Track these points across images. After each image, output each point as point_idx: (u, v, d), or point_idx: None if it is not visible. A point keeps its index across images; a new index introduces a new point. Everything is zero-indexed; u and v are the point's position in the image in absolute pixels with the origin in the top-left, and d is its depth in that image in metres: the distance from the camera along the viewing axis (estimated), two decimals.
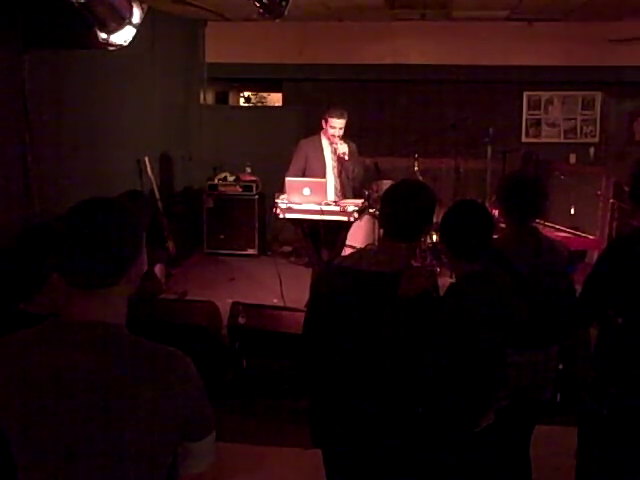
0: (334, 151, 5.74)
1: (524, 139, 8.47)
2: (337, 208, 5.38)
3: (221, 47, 8.37)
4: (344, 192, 5.86)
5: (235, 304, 4.79)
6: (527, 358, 2.83)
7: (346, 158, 5.68)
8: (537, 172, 7.60)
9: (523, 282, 2.71)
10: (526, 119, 8.49)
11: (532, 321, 2.75)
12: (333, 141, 5.67)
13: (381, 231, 2.55)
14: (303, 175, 5.71)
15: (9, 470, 1.61)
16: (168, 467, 1.58)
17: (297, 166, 5.78)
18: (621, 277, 2.67)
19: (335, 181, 5.86)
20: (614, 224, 6.90)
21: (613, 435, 2.74)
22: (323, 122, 5.71)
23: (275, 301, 5.78)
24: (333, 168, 5.84)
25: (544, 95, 8.44)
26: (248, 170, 8.01)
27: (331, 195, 5.75)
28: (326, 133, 5.73)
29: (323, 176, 5.70)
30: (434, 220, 2.49)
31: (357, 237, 5.92)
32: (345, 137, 5.72)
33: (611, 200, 6.85)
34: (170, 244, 6.79)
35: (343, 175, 5.82)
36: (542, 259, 2.91)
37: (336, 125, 5.61)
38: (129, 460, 1.49)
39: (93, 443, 1.47)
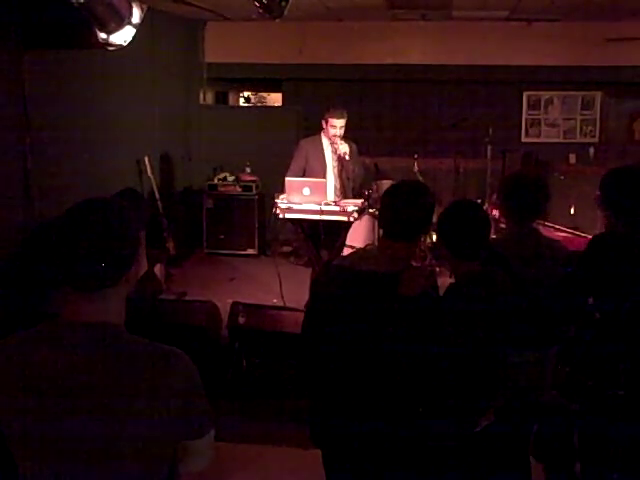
0: (335, 151, 5.74)
1: (524, 139, 8.48)
2: (337, 208, 5.38)
3: (221, 47, 8.37)
4: (344, 192, 5.86)
5: (235, 304, 4.79)
6: (526, 358, 2.83)
7: (347, 158, 5.68)
8: (537, 172, 7.60)
9: (522, 282, 2.71)
10: (526, 119, 8.49)
11: (531, 321, 2.76)
12: (334, 141, 5.67)
13: (381, 231, 2.55)
14: (303, 175, 5.71)
15: (9, 470, 1.61)
16: (168, 466, 1.58)
17: (297, 166, 5.78)
18: (601, 272, 2.67)
19: (336, 181, 5.86)
20: None
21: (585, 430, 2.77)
22: (323, 122, 5.71)
23: (275, 301, 5.78)
24: (333, 168, 5.84)
25: (544, 95, 8.44)
26: (248, 170, 8.01)
27: (331, 195, 5.75)
28: (327, 133, 5.73)
29: (324, 176, 5.70)
30: (433, 220, 2.49)
31: (357, 237, 5.92)
32: (345, 137, 5.73)
33: None
34: (170, 244, 6.78)
35: (343, 175, 5.82)
36: (542, 260, 2.91)
37: (337, 124, 5.61)
38: (129, 459, 1.49)
39: (93, 442, 1.48)
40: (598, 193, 2.84)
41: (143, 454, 1.50)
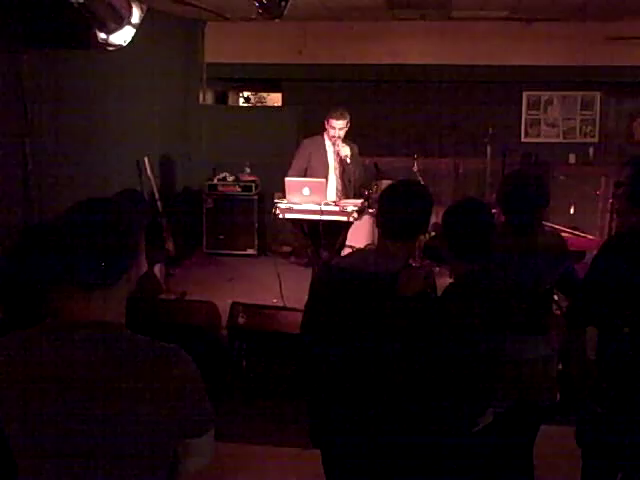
0: (337, 152, 5.74)
1: (523, 139, 8.49)
2: (336, 208, 5.39)
3: (220, 47, 8.38)
4: (345, 193, 5.86)
5: (235, 304, 4.79)
6: (525, 357, 2.83)
7: (348, 161, 5.68)
8: (537, 173, 7.60)
9: (522, 282, 2.71)
10: (525, 119, 8.50)
11: (530, 320, 2.75)
12: (335, 142, 5.68)
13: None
14: (305, 175, 5.71)
15: (9, 469, 1.61)
16: (169, 464, 1.58)
17: (299, 165, 5.78)
18: (617, 277, 2.61)
19: (337, 182, 5.87)
20: (614, 224, 6.90)
21: (613, 436, 2.69)
22: (325, 123, 5.72)
23: (275, 301, 5.77)
24: (335, 169, 5.85)
25: (543, 95, 8.45)
26: (247, 170, 8.01)
27: (332, 195, 5.76)
28: (328, 134, 5.73)
29: (325, 176, 5.71)
30: (432, 220, 2.49)
31: (357, 237, 5.91)
32: (346, 139, 5.73)
33: (610, 200, 6.85)
34: (170, 244, 6.78)
35: (345, 176, 5.83)
36: (541, 259, 2.90)
37: (336, 126, 5.61)
38: (129, 457, 1.50)
39: (93, 441, 1.48)
40: (622, 190, 2.70)
41: (143, 452, 1.51)
